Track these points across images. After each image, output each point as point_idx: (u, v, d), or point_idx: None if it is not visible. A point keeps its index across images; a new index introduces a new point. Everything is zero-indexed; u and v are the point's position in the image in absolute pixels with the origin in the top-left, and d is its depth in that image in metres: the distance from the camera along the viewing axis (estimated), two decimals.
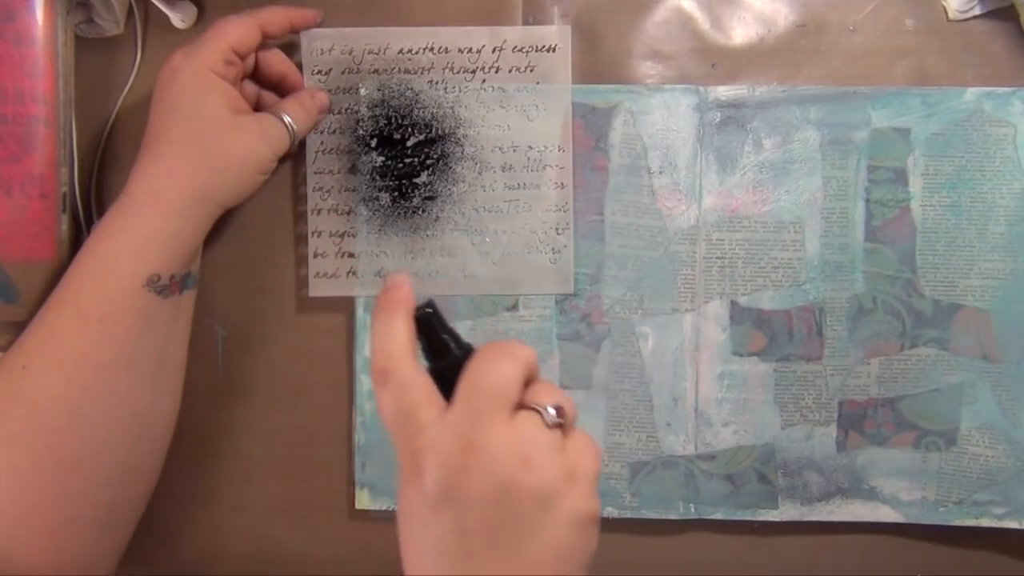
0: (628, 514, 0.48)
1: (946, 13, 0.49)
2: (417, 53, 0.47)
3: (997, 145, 0.47)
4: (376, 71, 0.47)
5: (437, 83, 0.47)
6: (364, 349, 0.48)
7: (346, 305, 0.49)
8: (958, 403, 0.48)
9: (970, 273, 0.48)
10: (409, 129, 0.47)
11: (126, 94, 0.50)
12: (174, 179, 0.41)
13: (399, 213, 0.47)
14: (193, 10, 0.49)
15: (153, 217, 0.40)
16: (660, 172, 0.48)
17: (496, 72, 0.47)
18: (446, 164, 0.47)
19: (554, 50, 0.47)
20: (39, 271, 0.46)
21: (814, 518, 0.48)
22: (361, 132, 0.47)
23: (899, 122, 0.48)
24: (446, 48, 0.46)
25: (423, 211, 0.47)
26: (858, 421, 0.48)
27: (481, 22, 0.49)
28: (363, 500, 0.49)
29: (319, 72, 0.48)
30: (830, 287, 0.48)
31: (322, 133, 0.48)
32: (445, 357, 0.32)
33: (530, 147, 0.47)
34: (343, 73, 0.47)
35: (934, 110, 0.48)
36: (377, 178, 0.47)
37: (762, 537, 0.49)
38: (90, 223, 0.49)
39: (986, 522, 0.47)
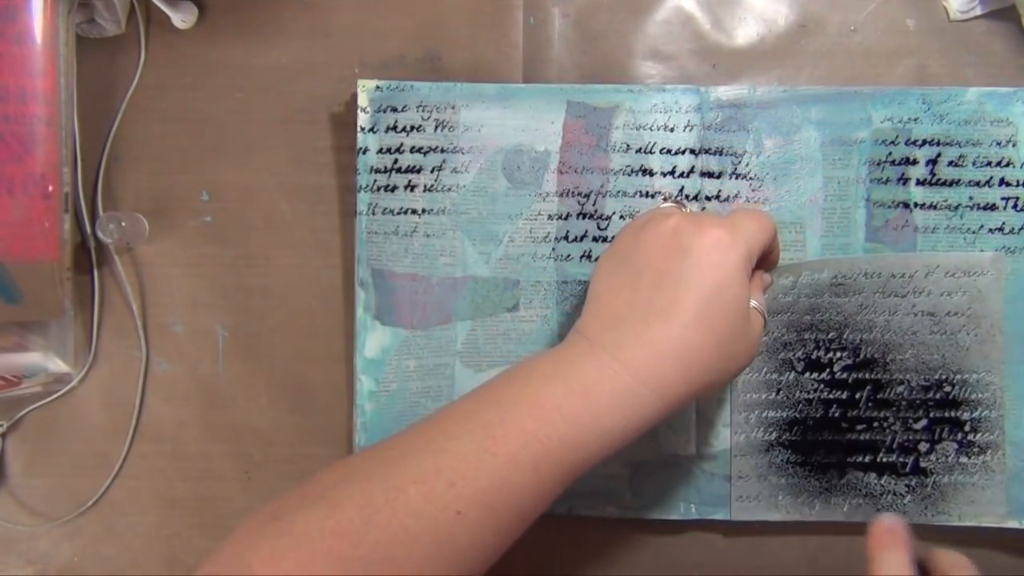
0: (629, 514, 0.48)
1: (947, 13, 0.49)
2: (850, 278, 0.46)
3: (998, 145, 0.47)
4: (807, 295, 0.47)
5: (867, 307, 0.46)
6: (364, 349, 0.48)
7: (346, 306, 0.50)
8: None
9: None
10: (837, 354, 0.47)
11: (131, 94, 0.50)
12: (700, 366, 0.36)
13: (823, 442, 0.47)
14: (194, 10, 0.49)
15: (653, 406, 0.36)
16: (661, 173, 0.48)
17: (928, 296, 0.46)
18: (874, 389, 0.47)
19: (986, 274, 0.46)
20: (41, 271, 0.46)
21: (815, 518, 0.48)
22: (787, 356, 0.47)
23: (900, 122, 0.48)
24: (879, 273, 0.46)
25: (849, 438, 0.47)
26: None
27: (481, 21, 0.50)
28: None
29: None
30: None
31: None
32: None
33: (957, 372, 0.47)
34: (777, 296, 0.47)
35: (935, 110, 0.48)
36: (803, 404, 0.47)
37: (763, 537, 0.49)
38: (93, 223, 0.49)
39: (987, 522, 0.47)
